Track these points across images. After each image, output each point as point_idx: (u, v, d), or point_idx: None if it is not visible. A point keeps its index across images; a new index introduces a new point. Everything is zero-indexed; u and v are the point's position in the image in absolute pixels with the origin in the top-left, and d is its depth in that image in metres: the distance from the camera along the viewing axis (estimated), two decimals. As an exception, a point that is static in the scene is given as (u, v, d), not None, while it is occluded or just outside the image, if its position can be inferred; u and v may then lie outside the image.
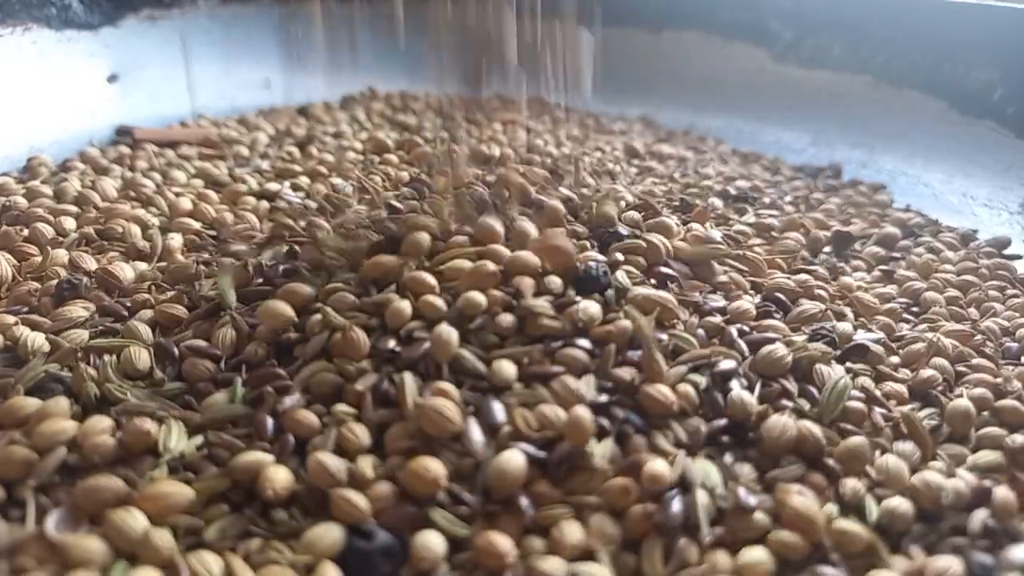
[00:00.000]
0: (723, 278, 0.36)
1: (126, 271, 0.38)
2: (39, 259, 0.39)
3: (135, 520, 0.24)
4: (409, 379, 0.28)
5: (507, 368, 0.28)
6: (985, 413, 0.32)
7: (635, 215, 0.37)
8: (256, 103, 0.67)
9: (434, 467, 0.25)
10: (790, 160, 0.64)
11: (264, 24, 0.69)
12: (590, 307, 0.31)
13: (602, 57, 0.75)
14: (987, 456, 0.30)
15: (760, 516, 0.26)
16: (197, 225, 0.44)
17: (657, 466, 0.26)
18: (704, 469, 0.27)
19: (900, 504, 0.27)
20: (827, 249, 0.46)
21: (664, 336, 0.31)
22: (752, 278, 0.37)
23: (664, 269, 0.34)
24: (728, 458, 0.28)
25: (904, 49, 0.64)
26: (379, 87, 0.73)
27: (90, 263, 0.39)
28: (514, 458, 0.26)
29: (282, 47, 0.68)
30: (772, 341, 0.32)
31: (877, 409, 0.31)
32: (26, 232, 0.41)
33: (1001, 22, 0.59)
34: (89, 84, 0.60)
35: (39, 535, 0.24)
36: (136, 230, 0.42)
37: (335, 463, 0.26)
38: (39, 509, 0.25)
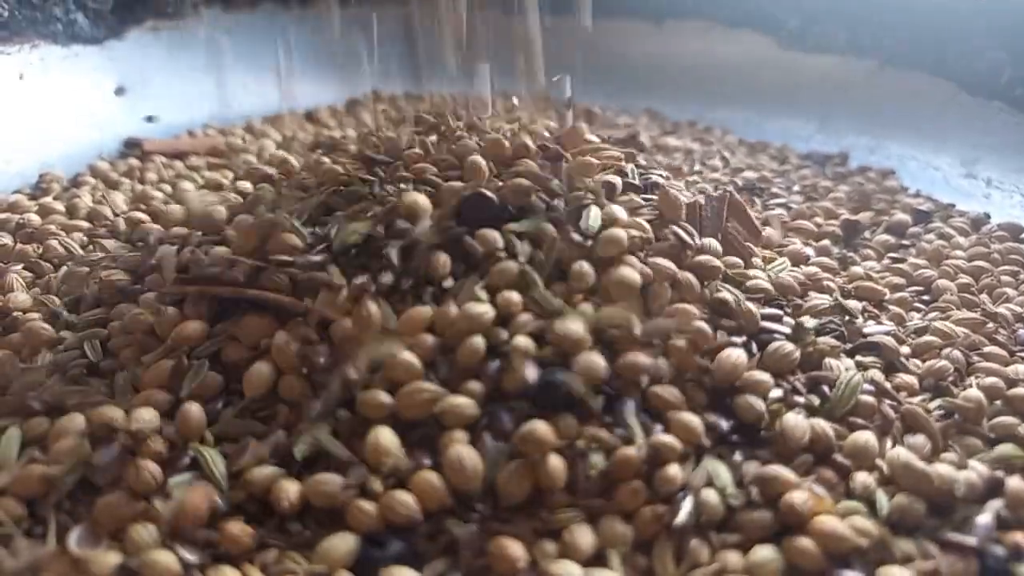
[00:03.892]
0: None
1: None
2: (55, 275, 0.40)
3: (152, 536, 0.25)
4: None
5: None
6: (998, 402, 0.32)
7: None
8: (262, 110, 0.67)
9: (438, 483, 0.26)
10: (797, 148, 0.64)
11: (267, 31, 0.69)
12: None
13: (605, 50, 0.75)
14: (1000, 446, 0.30)
15: (769, 515, 0.26)
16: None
17: (670, 468, 0.26)
18: (714, 469, 0.27)
19: (912, 499, 0.27)
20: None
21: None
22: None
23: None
24: (738, 456, 0.28)
25: (910, 32, 0.63)
26: (383, 89, 0.74)
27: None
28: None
29: (287, 53, 0.68)
30: (780, 337, 0.32)
31: (887, 402, 0.31)
32: (41, 249, 0.42)
33: (1008, 3, 0.58)
34: (97, 97, 0.61)
35: (61, 551, 0.24)
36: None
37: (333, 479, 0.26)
38: (60, 526, 0.25)
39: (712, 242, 0.35)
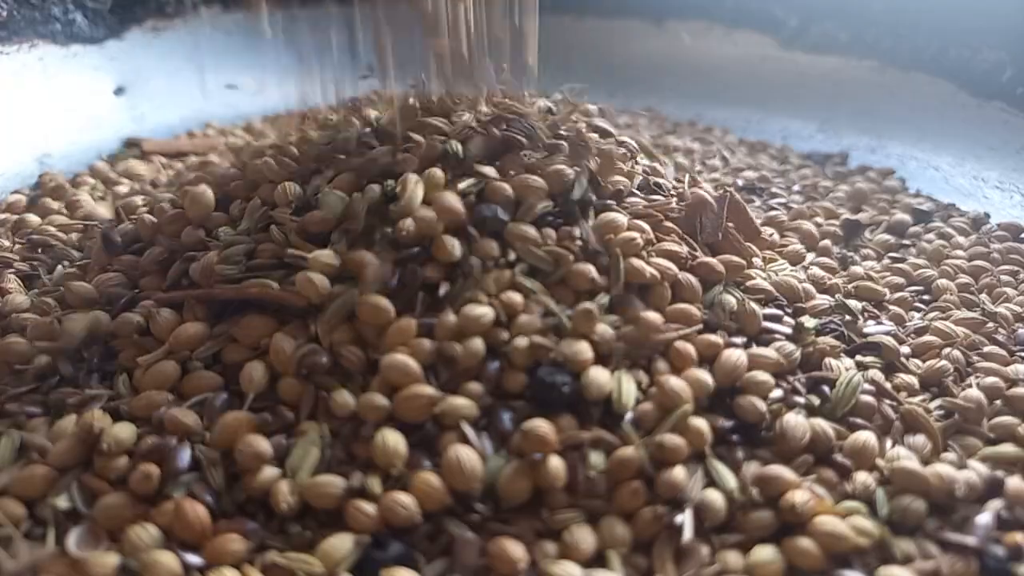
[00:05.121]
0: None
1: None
2: (52, 276, 0.40)
3: (151, 537, 0.25)
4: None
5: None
6: (998, 402, 0.32)
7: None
8: (261, 110, 0.67)
9: (436, 483, 0.26)
10: (797, 148, 0.64)
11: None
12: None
13: (605, 50, 0.75)
14: (1000, 446, 0.30)
15: (770, 515, 0.26)
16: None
17: (675, 471, 0.26)
18: (716, 470, 0.27)
19: (912, 499, 0.27)
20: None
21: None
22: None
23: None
24: (739, 454, 0.28)
25: (910, 32, 0.63)
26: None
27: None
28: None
29: (287, 52, 0.68)
30: (781, 337, 0.32)
31: (887, 402, 0.31)
32: (40, 249, 0.42)
33: (1008, 3, 0.58)
34: (96, 97, 0.61)
35: (60, 553, 0.24)
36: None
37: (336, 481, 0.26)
38: (60, 527, 0.25)
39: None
